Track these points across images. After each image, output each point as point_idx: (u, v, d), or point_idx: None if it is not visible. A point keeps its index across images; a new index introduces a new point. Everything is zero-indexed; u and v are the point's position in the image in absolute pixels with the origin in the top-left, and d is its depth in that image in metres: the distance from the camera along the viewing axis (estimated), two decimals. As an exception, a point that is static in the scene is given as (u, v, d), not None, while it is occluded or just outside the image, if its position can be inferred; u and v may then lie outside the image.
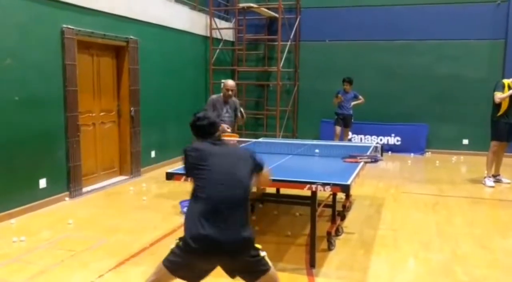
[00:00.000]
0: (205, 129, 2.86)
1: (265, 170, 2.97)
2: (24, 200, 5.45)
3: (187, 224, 2.56)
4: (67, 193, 6.09)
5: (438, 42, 10.09)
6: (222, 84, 6.22)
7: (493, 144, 7.20)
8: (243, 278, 2.71)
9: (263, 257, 2.65)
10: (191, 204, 2.63)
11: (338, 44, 10.69)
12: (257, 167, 2.87)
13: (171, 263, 2.60)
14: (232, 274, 2.72)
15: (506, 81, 7.03)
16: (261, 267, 2.63)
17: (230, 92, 6.10)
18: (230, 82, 6.18)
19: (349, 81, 9.19)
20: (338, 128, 9.30)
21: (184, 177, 4.01)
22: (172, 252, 2.62)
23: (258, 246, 2.67)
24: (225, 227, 2.49)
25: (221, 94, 6.20)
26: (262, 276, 2.64)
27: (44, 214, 5.51)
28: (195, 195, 2.63)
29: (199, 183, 2.64)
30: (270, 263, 2.69)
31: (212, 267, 2.67)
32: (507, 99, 6.94)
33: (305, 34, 10.86)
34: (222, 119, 6.10)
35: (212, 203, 2.53)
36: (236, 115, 6.30)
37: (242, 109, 6.33)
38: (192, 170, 2.71)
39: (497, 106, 7.03)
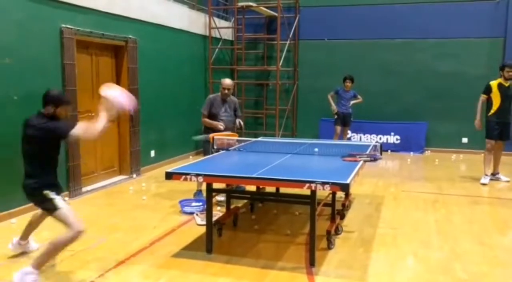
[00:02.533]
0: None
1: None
2: (24, 200, 5.38)
3: None
4: (66, 192, 6.08)
5: (438, 40, 10.09)
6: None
7: (486, 141, 7.32)
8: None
9: (48, 199, 3.56)
10: None
11: (337, 43, 10.69)
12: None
13: None
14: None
15: (493, 83, 7.18)
16: (46, 206, 3.61)
17: (226, 91, 6.12)
18: (227, 81, 6.19)
19: (351, 79, 9.19)
20: (338, 128, 9.32)
21: (183, 176, 4.02)
22: None
23: (45, 192, 3.55)
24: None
25: (219, 93, 6.21)
26: (51, 214, 3.57)
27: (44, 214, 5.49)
28: None
29: None
30: (58, 206, 3.52)
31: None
32: (499, 99, 7.06)
33: (304, 33, 10.86)
34: (221, 119, 6.11)
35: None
36: (236, 115, 6.31)
37: (241, 122, 6.33)
38: None
39: (490, 105, 7.15)
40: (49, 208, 3.58)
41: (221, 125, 5.99)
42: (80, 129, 3.57)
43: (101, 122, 3.58)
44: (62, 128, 3.58)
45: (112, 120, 3.70)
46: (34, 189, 3.62)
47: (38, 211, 4.04)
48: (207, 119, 6.10)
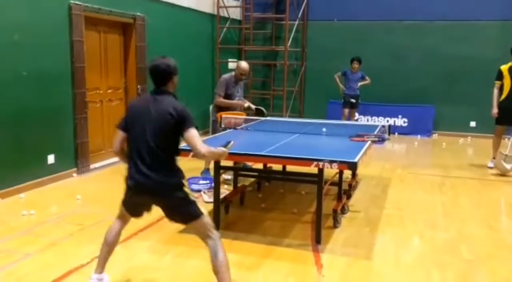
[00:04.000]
0: (154, 77, 3.03)
1: (191, 133, 2.88)
2: (33, 175, 5.51)
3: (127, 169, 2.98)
4: (75, 169, 6.14)
5: (447, 22, 9.95)
6: (232, 63, 6.21)
7: (496, 126, 7.19)
8: (172, 218, 2.99)
9: (188, 202, 2.88)
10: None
11: (346, 24, 10.57)
12: (180, 125, 2.88)
13: (123, 199, 3.09)
14: (164, 213, 3.00)
15: (504, 67, 7.07)
16: (185, 210, 2.88)
17: (243, 77, 6.14)
18: (245, 66, 6.12)
19: (358, 60, 9.11)
20: (346, 111, 9.29)
21: (191, 154, 4.02)
22: (124, 192, 3.06)
23: (185, 190, 2.89)
24: (141, 171, 2.84)
25: (233, 74, 6.16)
26: (192, 221, 2.90)
27: (52, 189, 5.57)
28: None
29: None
30: (200, 210, 2.90)
31: (144, 203, 3.04)
32: (509, 83, 6.96)
33: (313, 14, 10.74)
34: (234, 98, 6.12)
35: (134, 152, 2.90)
36: (245, 97, 6.34)
37: (252, 105, 6.33)
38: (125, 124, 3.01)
39: (501, 90, 7.06)
40: (190, 213, 2.89)
41: (246, 103, 6.13)
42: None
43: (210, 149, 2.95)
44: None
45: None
46: (175, 186, 2.87)
47: (115, 226, 3.13)
48: (224, 100, 6.05)
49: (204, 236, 2.91)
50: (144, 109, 2.93)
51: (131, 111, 3.04)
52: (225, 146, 3.09)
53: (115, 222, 3.16)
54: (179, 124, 2.86)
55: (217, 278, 2.84)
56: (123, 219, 3.16)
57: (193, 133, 2.86)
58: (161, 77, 3.04)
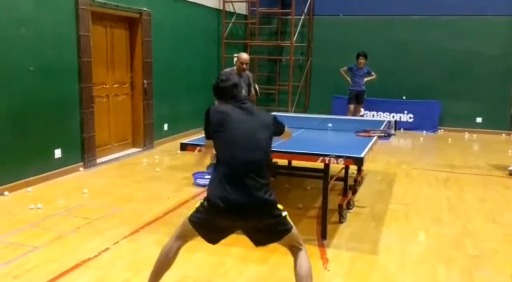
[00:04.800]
0: (228, 91, 2.84)
1: (286, 131, 3.13)
2: (40, 169, 5.54)
3: (212, 186, 2.63)
4: (81, 163, 6.18)
5: (454, 17, 9.90)
6: (236, 57, 6.21)
7: None
8: (266, 240, 2.77)
9: (284, 217, 2.69)
10: (217, 167, 2.66)
11: (352, 19, 10.54)
12: (278, 131, 2.95)
13: (197, 219, 2.70)
14: (254, 238, 2.77)
15: None
16: (282, 227, 2.68)
17: (244, 66, 6.09)
18: (244, 56, 6.15)
19: (364, 55, 9.09)
20: (351, 107, 9.30)
21: (198, 148, 4.05)
22: (197, 210, 2.71)
23: (280, 206, 2.69)
24: (244, 189, 2.53)
25: (235, 67, 6.19)
26: (285, 236, 2.69)
27: (59, 183, 5.61)
28: (218, 158, 2.67)
29: (220, 146, 2.68)
30: (291, 223, 2.73)
31: (231, 226, 2.74)
32: None
33: (319, 9, 10.71)
34: None
35: (232, 166, 2.57)
36: (249, 90, 6.30)
37: (257, 87, 6.33)
38: (214, 132, 2.72)
39: None
40: (283, 229, 2.70)
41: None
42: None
43: None
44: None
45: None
46: (272, 203, 2.64)
47: (173, 245, 2.78)
48: None
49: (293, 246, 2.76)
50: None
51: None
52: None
53: (172, 244, 2.80)
54: None
55: None
56: (183, 241, 2.84)
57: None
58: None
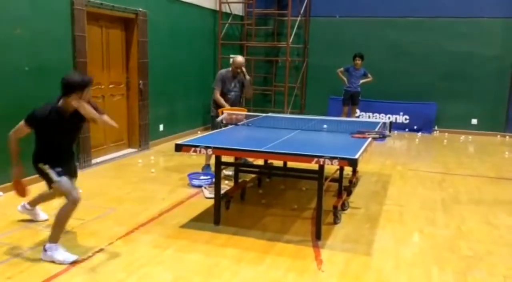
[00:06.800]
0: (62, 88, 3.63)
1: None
2: (34, 170, 5.50)
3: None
4: (76, 164, 6.14)
5: (450, 19, 9.93)
6: (231, 60, 6.19)
7: None
8: None
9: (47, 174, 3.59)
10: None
11: (348, 20, 10.56)
12: None
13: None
14: None
15: None
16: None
17: (239, 70, 6.11)
18: (239, 60, 6.12)
19: (360, 57, 9.12)
20: (346, 109, 9.34)
21: (193, 149, 4.05)
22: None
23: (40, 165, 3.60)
24: None
25: (229, 69, 6.19)
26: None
27: (54, 184, 5.58)
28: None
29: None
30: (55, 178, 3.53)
31: None
32: None
33: (316, 10, 10.73)
34: (229, 95, 6.12)
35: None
36: (242, 90, 6.30)
37: (247, 77, 6.24)
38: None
39: None
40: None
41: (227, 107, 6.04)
42: None
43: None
44: None
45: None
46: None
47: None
48: (219, 98, 6.06)
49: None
50: None
51: None
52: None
53: None
54: None
55: (54, 221, 3.58)
56: None
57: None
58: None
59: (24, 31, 5.26)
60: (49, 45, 5.62)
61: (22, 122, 3.68)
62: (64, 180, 3.61)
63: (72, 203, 3.54)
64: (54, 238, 3.55)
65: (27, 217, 4.31)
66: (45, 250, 3.54)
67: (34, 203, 4.24)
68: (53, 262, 3.48)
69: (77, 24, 5.94)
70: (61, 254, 3.52)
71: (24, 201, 4.18)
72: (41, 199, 4.18)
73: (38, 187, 4.21)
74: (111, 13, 6.68)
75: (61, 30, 5.80)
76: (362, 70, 9.25)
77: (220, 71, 6.33)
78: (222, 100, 6.05)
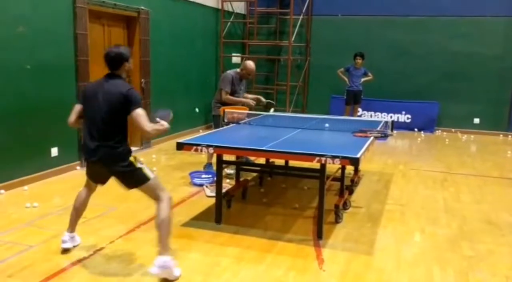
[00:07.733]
0: (108, 62, 3.44)
1: (137, 112, 3.24)
2: (36, 168, 5.53)
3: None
4: (78, 162, 6.16)
5: (452, 18, 9.90)
6: (243, 64, 6.12)
7: None
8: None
9: (139, 168, 3.30)
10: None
11: (350, 19, 10.54)
12: (127, 106, 3.24)
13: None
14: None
15: None
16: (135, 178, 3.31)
17: (250, 77, 6.14)
18: (253, 67, 6.07)
19: (361, 56, 9.11)
20: (348, 108, 9.32)
21: (194, 147, 4.05)
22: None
23: (132, 159, 3.28)
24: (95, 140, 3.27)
25: (237, 70, 6.13)
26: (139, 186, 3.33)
27: (56, 182, 5.60)
28: None
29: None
30: (150, 175, 3.32)
31: (100, 171, 3.43)
32: None
33: (318, 8, 10.71)
34: (235, 95, 6.10)
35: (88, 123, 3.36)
36: (247, 91, 6.35)
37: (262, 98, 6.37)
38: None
39: None
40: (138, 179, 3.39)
41: (252, 102, 6.11)
42: None
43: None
44: None
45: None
46: (119, 155, 3.36)
47: (82, 192, 3.66)
48: (232, 97, 6.00)
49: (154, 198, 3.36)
50: (96, 91, 3.36)
51: (85, 92, 3.50)
52: (157, 117, 3.40)
53: (82, 190, 3.65)
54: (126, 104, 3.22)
55: (158, 231, 3.28)
56: (88, 187, 3.67)
57: (138, 113, 3.21)
58: (112, 62, 3.46)
59: (26, 30, 5.26)
60: (50, 44, 5.62)
61: (142, 110, 3.25)
62: (156, 175, 3.41)
63: (168, 198, 3.33)
64: (167, 248, 3.21)
65: (72, 245, 3.70)
66: (161, 263, 3.16)
67: (73, 225, 3.68)
68: (165, 279, 3.19)
69: (79, 22, 5.94)
70: (178, 269, 3.25)
71: (66, 233, 3.63)
72: (76, 217, 3.66)
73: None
74: (113, 11, 6.67)
75: (63, 29, 5.80)
76: (362, 69, 9.23)
77: (228, 72, 6.14)
78: (235, 98, 6.02)
